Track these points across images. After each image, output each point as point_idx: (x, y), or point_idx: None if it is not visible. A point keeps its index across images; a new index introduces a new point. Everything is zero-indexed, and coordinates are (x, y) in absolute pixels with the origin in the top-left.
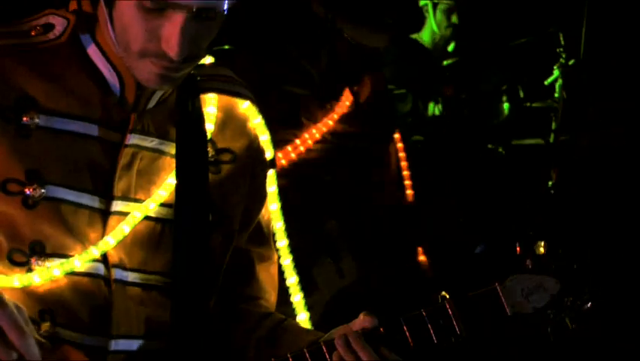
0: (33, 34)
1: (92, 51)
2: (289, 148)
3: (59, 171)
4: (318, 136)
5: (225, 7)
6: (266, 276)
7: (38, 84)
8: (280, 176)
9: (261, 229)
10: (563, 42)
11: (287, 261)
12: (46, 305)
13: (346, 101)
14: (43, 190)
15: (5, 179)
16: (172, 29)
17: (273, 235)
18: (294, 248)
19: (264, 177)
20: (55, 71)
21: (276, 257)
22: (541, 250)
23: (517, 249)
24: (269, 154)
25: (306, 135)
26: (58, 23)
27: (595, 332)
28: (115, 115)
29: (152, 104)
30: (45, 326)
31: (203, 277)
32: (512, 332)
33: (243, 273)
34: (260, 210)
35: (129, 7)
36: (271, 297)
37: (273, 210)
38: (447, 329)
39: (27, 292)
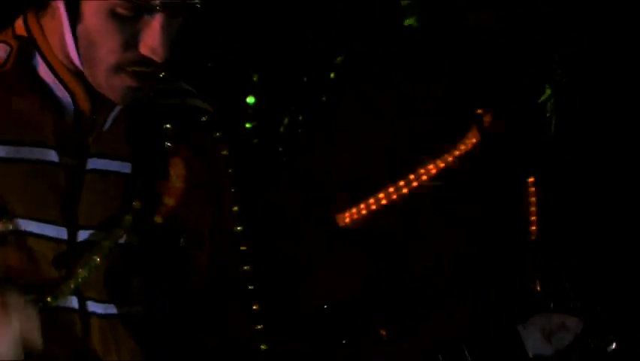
0: None
1: (44, 73)
2: (401, 183)
3: (22, 203)
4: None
5: None
6: None
7: None
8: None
9: None
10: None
11: None
12: None
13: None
14: (10, 226)
15: None
16: (154, 32)
17: None
18: None
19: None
20: (3, 99)
21: None
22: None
23: (538, 287)
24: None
25: (422, 171)
26: None
27: None
28: (71, 139)
29: (107, 125)
30: None
31: (179, 307)
32: None
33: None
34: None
35: (98, 19)
36: None
37: None
38: None
39: None
